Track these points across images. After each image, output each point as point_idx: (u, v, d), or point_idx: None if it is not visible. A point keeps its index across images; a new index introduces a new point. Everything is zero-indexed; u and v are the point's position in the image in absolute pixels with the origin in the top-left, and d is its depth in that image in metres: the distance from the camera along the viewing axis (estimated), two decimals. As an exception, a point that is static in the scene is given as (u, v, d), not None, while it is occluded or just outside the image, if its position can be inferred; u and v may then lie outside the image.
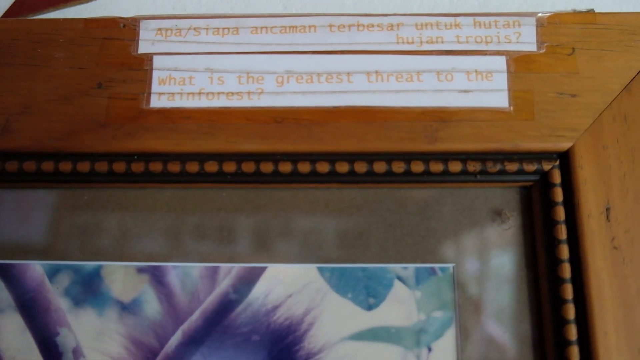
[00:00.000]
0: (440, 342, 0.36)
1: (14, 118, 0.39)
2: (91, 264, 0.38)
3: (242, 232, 0.38)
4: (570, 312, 0.34)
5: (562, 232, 0.35)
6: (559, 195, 0.36)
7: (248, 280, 0.37)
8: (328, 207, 0.38)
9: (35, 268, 0.38)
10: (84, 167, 0.38)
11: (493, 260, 0.37)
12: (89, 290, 0.37)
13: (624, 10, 0.40)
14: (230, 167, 0.37)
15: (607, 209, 0.35)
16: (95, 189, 0.39)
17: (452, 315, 0.36)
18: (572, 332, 0.34)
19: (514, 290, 0.36)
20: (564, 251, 0.35)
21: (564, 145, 0.37)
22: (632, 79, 0.38)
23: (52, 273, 0.38)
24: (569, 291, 0.34)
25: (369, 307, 0.36)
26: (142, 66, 0.39)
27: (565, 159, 0.37)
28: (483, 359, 0.35)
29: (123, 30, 0.40)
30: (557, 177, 0.37)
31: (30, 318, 0.37)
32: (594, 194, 0.36)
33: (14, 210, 0.39)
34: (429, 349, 0.36)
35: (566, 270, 0.35)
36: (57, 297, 0.37)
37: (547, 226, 0.36)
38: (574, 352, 0.34)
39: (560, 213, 0.36)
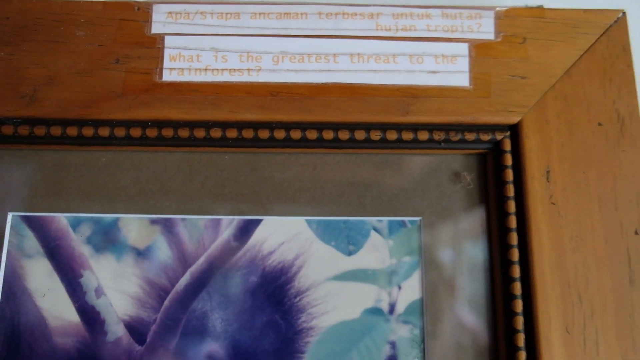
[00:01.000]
0: (408, 282, 0.43)
1: (40, 88, 0.44)
2: (110, 216, 0.43)
3: (241, 190, 0.44)
4: (515, 255, 0.41)
5: (510, 191, 0.42)
6: (508, 160, 0.43)
7: (246, 230, 0.43)
8: (316, 169, 0.44)
9: (60, 220, 0.43)
10: (104, 131, 0.43)
11: (453, 214, 0.44)
12: (108, 239, 0.43)
13: (568, 7, 0.47)
14: (232, 133, 0.43)
15: (547, 172, 0.43)
16: (113, 152, 0.44)
17: (419, 260, 0.43)
18: (516, 271, 0.41)
19: (469, 238, 0.43)
20: (511, 206, 0.42)
21: (514, 119, 0.43)
22: (572, 65, 0.45)
23: (75, 224, 0.43)
24: (514, 239, 0.42)
25: (349, 253, 0.43)
26: (154, 45, 0.45)
27: (514, 130, 0.44)
28: (443, 294, 0.42)
29: (137, 13, 0.45)
30: (507, 145, 0.43)
31: (56, 262, 0.43)
32: (537, 160, 0.43)
33: (41, 169, 0.44)
34: (399, 287, 0.43)
35: (512, 222, 0.42)
36: (80, 245, 0.43)
37: (498, 186, 0.43)
38: (517, 287, 0.41)
39: (509, 175, 0.43)
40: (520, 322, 0.40)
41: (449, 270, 0.43)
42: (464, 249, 0.43)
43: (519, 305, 0.40)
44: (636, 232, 0.42)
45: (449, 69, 0.44)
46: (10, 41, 0.45)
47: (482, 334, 0.42)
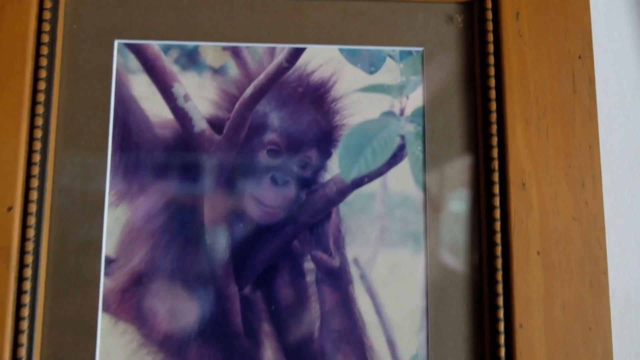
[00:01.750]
0: (414, 94, 0.58)
1: (135, -54, 0.57)
2: (191, 44, 0.58)
3: (291, 27, 0.58)
4: (492, 71, 0.57)
5: (490, 26, 0.58)
6: (489, 4, 0.58)
7: (295, 55, 0.58)
8: (346, 12, 0.59)
9: (154, 46, 0.58)
10: (186, -21, 0.57)
11: (447, 45, 0.59)
12: (191, 60, 0.58)
13: None
14: (284, -19, 0.58)
15: (517, 13, 0.58)
16: (193, -5, 0.59)
17: (422, 78, 0.58)
18: (492, 82, 0.57)
19: (459, 60, 0.58)
20: (490, 37, 0.57)
21: (494, -25, 0.59)
22: (539, -63, 0.59)
23: (166, 49, 0.58)
24: (491, 59, 0.57)
25: (371, 72, 0.58)
26: None
27: (494, -16, 0.59)
28: (439, 102, 0.58)
29: None
30: (489, -5, 0.59)
31: (153, 76, 0.57)
32: (510, 4, 0.58)
33: (138, 7, 0.58)
34: (407, 97, 0.58)
35: (490, 48, 0.57)
36: (170, 64, 0.57)
37: (480, 23, 0.58)
38: (492, 93, 0.56)
39: (489, 15, 0.58)
40: (494, 117, 0.56)
41: (443, 84, 0.58)
42: (455, 69, 0.58)
43: (493, 105, 0.56)
44: (579, 57, 0.57)
45: (446, -62, 0.59)
46: None
47: (465, 131, 0.57)
